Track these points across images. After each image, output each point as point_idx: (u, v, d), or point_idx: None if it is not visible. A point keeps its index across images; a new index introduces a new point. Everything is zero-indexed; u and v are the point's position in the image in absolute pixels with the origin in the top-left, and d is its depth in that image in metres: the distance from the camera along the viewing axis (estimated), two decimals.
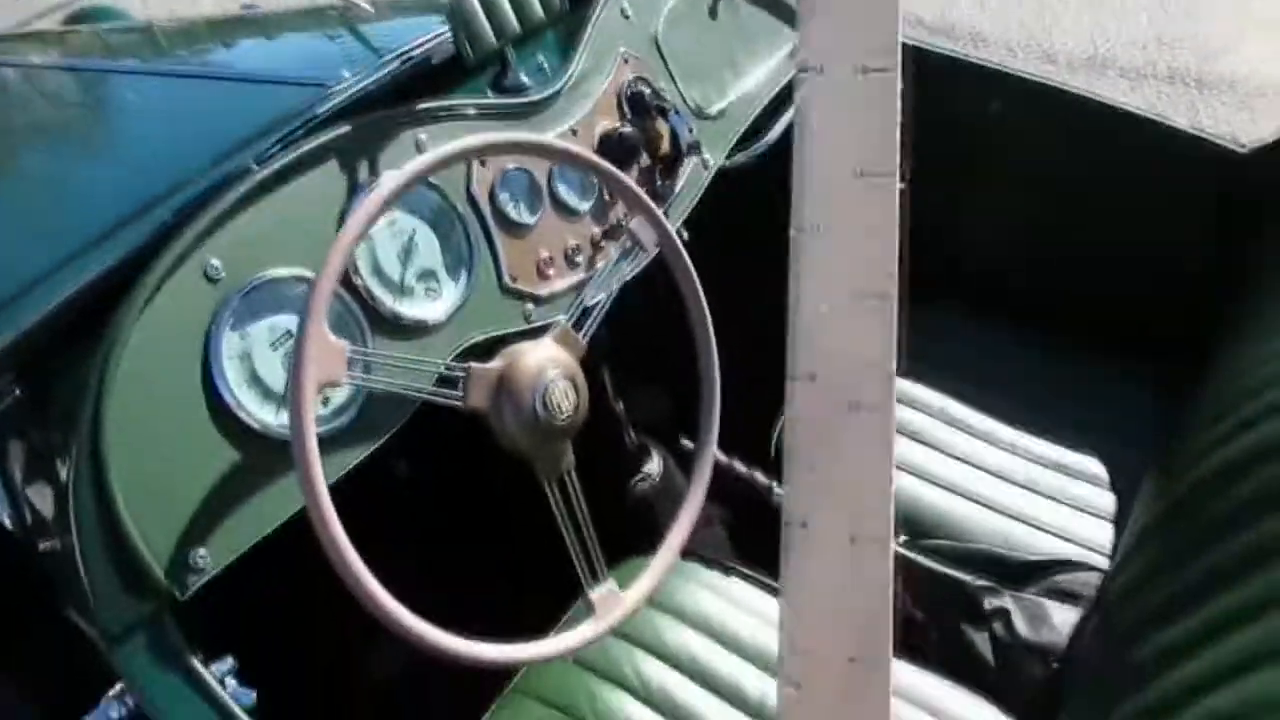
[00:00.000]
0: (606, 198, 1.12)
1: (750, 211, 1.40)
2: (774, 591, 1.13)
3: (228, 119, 1.15)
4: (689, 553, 1.16)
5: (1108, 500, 1.23)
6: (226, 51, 1.61)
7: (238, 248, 0.86)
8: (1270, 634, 0.62)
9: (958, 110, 1.42)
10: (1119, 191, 1.40)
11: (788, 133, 1.36)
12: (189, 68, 1.50)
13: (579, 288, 1.07)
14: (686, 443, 1.23)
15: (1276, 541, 0.68)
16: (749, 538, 1.29)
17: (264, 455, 0.85)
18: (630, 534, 1.09)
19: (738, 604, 1.12)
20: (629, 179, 1.03)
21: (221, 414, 0.83)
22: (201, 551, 0.80)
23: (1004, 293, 1.36)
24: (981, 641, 1.07)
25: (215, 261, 0.84)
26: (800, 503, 0.31)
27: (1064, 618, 1.06)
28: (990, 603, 1.08)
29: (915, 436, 1.28)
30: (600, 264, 1.09)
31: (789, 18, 1.43)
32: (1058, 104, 1.39)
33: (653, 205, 1.01)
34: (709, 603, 1.12)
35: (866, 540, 0.31)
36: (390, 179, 0.84)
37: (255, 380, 0.86)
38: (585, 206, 1.10)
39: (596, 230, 1.11)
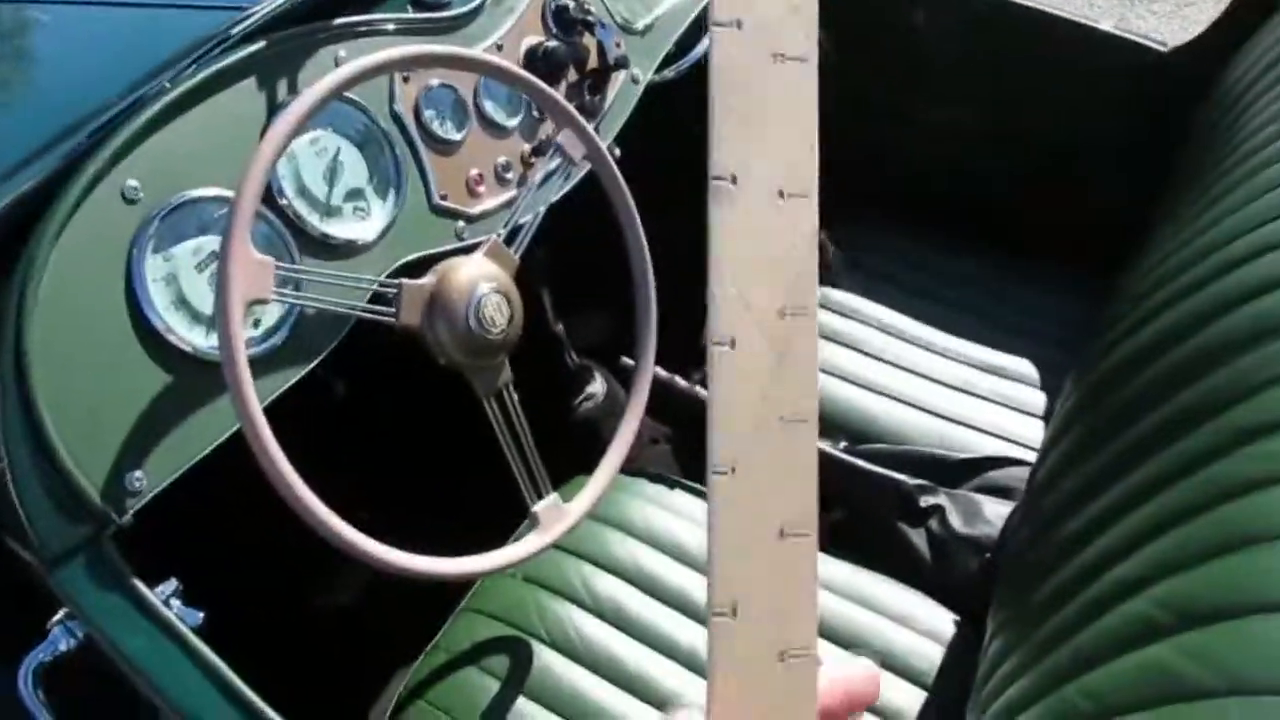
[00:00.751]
0: (535, 114, 1.11)
1: (680, 128, 1.39)
2: None
3: (144, 45, 1.12)
4: (633, 469, 1.18)
5: (1039, 398, 1.26)
6: None
7: (155, 168, 0.84)
8: (1173, 502, 0.65)
9: (882, 18, 1.41)
10: (1043, 96, 1.42)
11: (704, 54, 1.35)
12: None
13: (510, 204, 1.07)
14: (628, 361, 1.24)
15: (1179, 418, 0.71)
16: (691, 451, 1.31)
17: (196, 377, 0.84)
18: (577, 453, 1.10)
19: (682, 515, 1.13)
20: (556, 93, 1.02)
21: (150, 336, 0.82)
22: (137, 474, 0.80)
23: (933, 200, 1.38)
24: (918, 538, 1.10)
25: (133, 182, 0.83)
26: (728, 157, 0.32)
27: (996, 511, 1.09)
28: (926, 501, 1.11)
29: (850, 343, 1.30)
30: (531, 179, 1.09)
31: None
32: (981, 9, 1.40)
33: (580, 118, 1.00)
34: (654, 516, 1.13)
35: (794, 196, 0.32)
36: (308, 94, 0.82)
37: (182, 302, 0.85)
38: (513, 123, 1.09)
39: (526, 147, 1.10)
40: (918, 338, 1.33)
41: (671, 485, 1.17)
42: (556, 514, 0.96)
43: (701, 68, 1.34)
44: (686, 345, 1.23)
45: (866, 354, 1.31)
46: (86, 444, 0.78)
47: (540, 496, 0.95)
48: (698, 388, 1.27)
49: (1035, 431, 1.23)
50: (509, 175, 1.08)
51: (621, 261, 1.03)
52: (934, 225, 1.36)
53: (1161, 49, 1.33)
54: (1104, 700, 0.59)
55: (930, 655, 1.00)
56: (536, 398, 1.00)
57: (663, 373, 1.29)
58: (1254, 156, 0.90)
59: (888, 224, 1.43)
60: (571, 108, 1.00)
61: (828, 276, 1.37)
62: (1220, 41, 1.25)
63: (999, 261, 1.35)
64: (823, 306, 1.36)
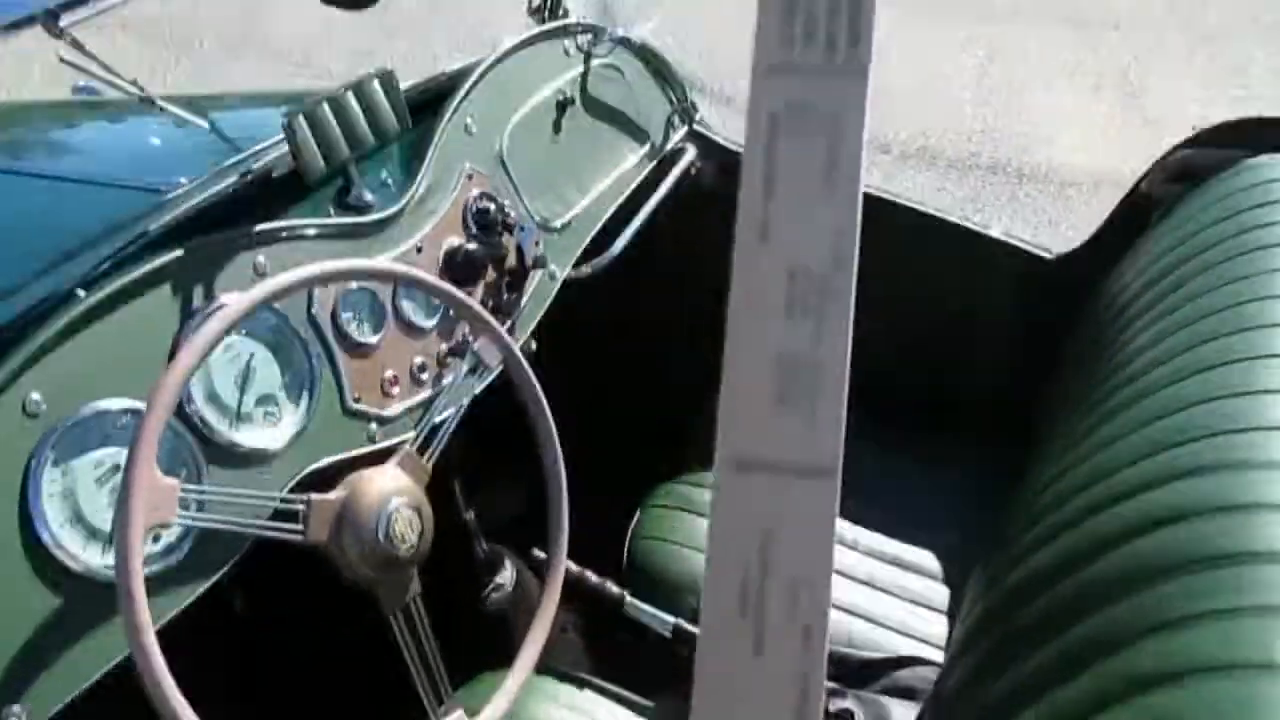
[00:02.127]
0: (451, 313, 1.13)
1: (597, 320, 1.43)
2: (628, 705, 1.14)
3: (54, 226, 1.11)
4: (543, 667, 1.16)
5: (942, 594, 1.29)
6: (54, 144, 1.55)
7: (61, 379, 0.83)
8: None
9: None
10: (936, 295, 1.50)
11: (632, 243, 1.40)
12: (10, 161, 1.44)
13: (426, 405, 1.07)
14: (538, 552, 1.23)
15: (1085, 649, 0.73)
16: (601, 647, 1.30)
17: (86, 598, 0.81)
18: (483, 647, 1.08)
19: (591, 717, 1.11)
20: (471, 300, 1.04)
21: (38, 555, 0.79)
22: (15, 708, 0.76)
23: None
24: None
25: (35, 395, 0.81)
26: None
27: (904, 714, 1.10)
28: (835, 705, 1.11)
29: None
30: (446, 380, 1.10)
31: (630, 129, 1.48)
32: (879, 211, 1.48)
33: (495, 324, 1.02)
34: (563, 718, 1.11)
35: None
36: (225, 310, 0.83)
37: (78, 518, 0.82)
38: (430, 323, 1.11)
39: (443, 346, 1.11)
40: (841, 537, 1.35)
41: (581, 685, 1.15)
42: None
43: (618, 262, 1.38)
44: (598, 537, 1.23)
45: None
46: None
47: (445, 710, 0.93)
48: (608, 583, 1.26)
49: (938, 628, 1.25)
50: (424, 376, 1.09)
51: (533, 451, 1.04)
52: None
53: (1046, 255, 1.43)
54: None
55: None
56: (443, 589, 0.99)
57: (574, 566, 1.28)
58: (1136, 381, 0.96)
59: None
60: (486, 314, 1.02)
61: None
62: (1100, 252, 1.34)
63: (898, 453, 1.39)
64: None
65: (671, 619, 1.20)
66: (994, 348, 1.46)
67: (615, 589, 1.23)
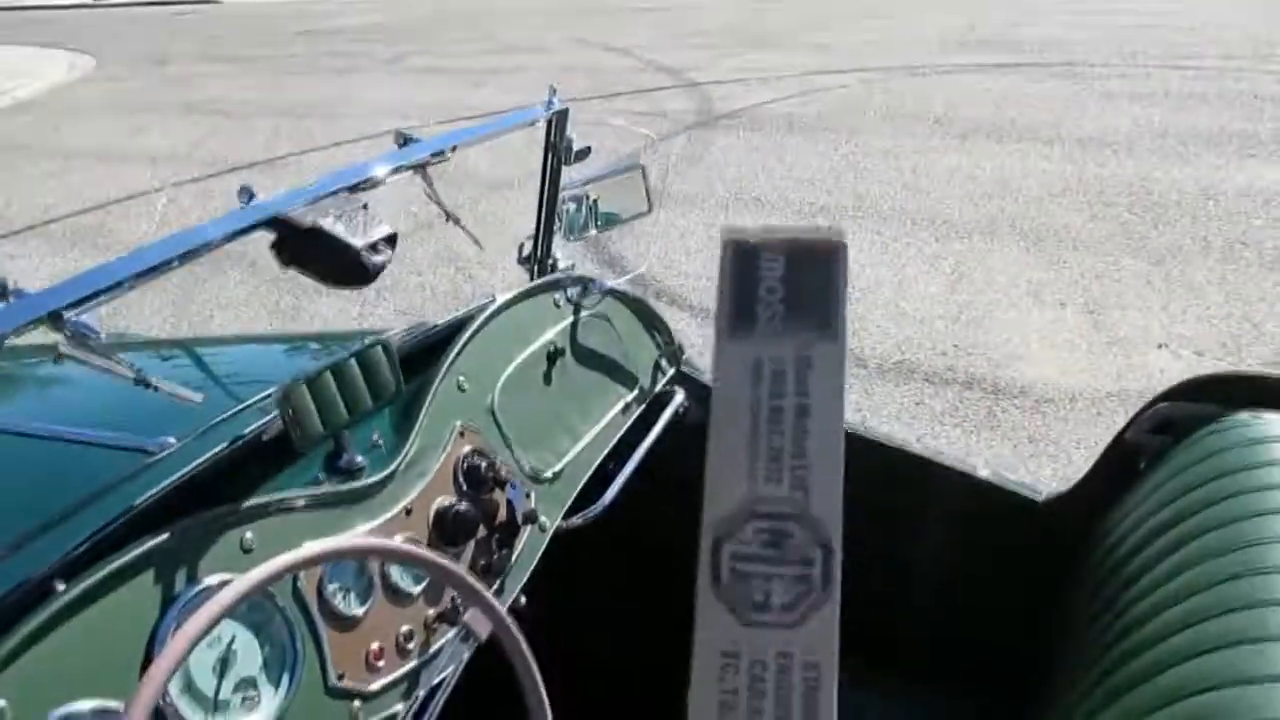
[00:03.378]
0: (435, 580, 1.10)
1: (586, 570, 1.41)
2: None
3: (37, 487, 1.09)
4: None
5: None
6: (39, 396, 1.55)
7: (30, 684, 0.79)
8: None
9: None
10: (927, 535, 1.49)
11: (622, 492, 1.40)
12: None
13: (412, 677, 1.03)
14: None
15: None
16: None
17: None
18: None
19: None
20: (461, 571, 1.02)
21: None
22: None
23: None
24: None
25: (2, 703, 0.77)
26: None
27: None
28: None
29: None
30: (434, 647, 1.06)
31: (620, 375, 1.51)
32: (867, 452, 1.49)
33: (487, 594, 1.00)
34: None
35: None
36: (209, 606, 0.80)
37: None
38: (418, 589, 1.08)
39: (430, 613, 1.08)
40: None
41: None
42: None
43: (608, 512, 1.38)
44: None
45: None
46: None
47: None
48: None
49: None
50: (410, 645, 1.05)
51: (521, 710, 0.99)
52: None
53: (1036, 498, 1.43)
54: None
55: None
56: None
57: None
58: (1135, 632, 0.95)
59: None
60: (478, 585, 1.00)
61: None
62: (1089, 496, 1.35)
63: (894, 703, 1.35)
64: None
65: None
66: (986, 594, 1.44)
67: None
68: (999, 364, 3.37)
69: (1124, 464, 1.33)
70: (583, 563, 1.35)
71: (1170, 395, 1.32)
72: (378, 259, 1.05)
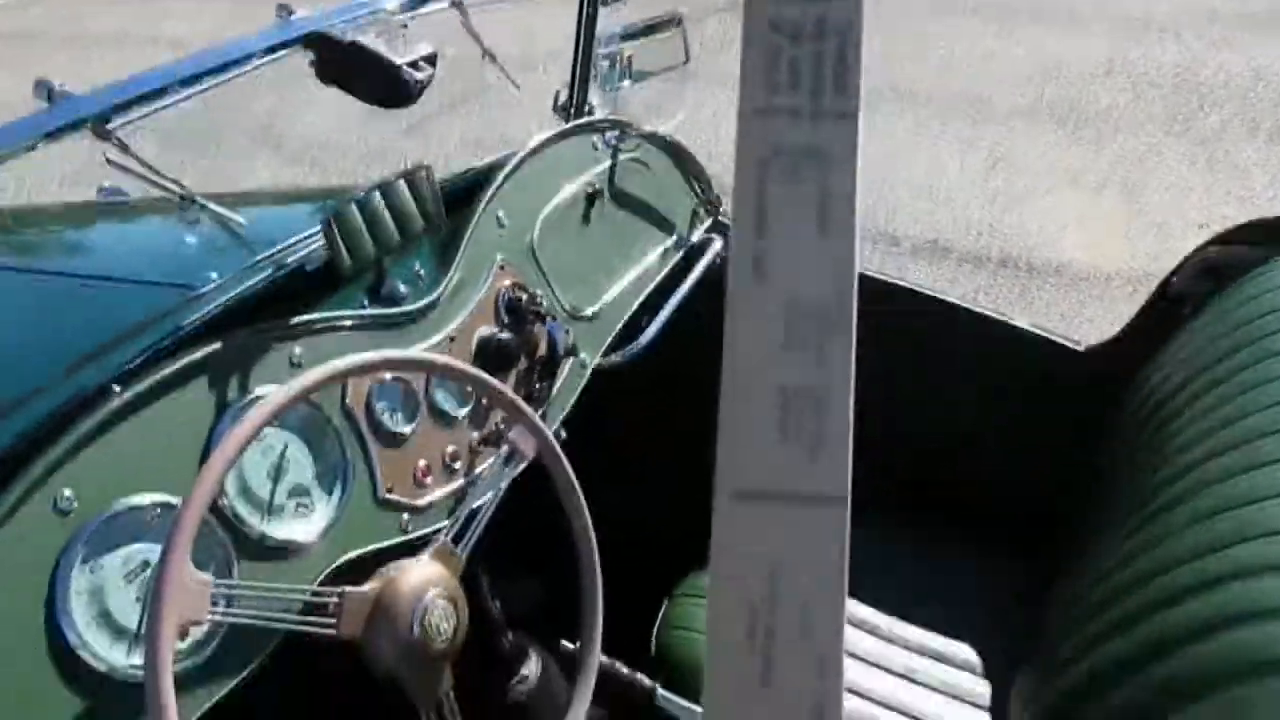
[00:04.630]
0: (484, 403, 1.12)
1: (625, 410, 1.42)
2: None
3: (86, 322, 1.11)
4: None
5: (983, 688, 1.25)
6: (83, 246, 1.56)
7: (93, 476, 0.81)
8: None
9: None
10: (970, 386, 1.49)
11: (660, 333, 1.40)
12: (42, 263, 1.45)
13: (458, 495, 1.06)
14: (565, 644, 1.20)
15: None
16: None
17: (110, 701, 0.78)
18: None
19: None
20: (506, 388, 1.03)
21: (63, 657, 0.77)
22: None
23: (873, 486, 1.41)
24: None
25: (68, 492, 0.79)
26: None
27: None
28: None
29: None
30: (479, 469, 1.08)
31: (657, 221, 1.50)
32: (905, 304, 1.48)
33: (531, 412, 1.02)
34: None
35: None
36: (263, 405, 0.82)
37: (105, 617, 0.80)
38: (463, 413, 1.10)
39: (475, 436, 1.11)
40: (860, 620, 1.32)
41: None
42: None
43: (647, 351, 1.38)
44: (626, 628, 1.20)
45: None
46: None
47: None
48: (638, 674, 1.23)
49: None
50: (456, 465, 1.08)
51: (561, 541, 1.02)
52: (875, 510, 1.37)
53: (1077, 348, 1.43)
54: None
55: None
56: (468, 679, 0.96)
57: (604, 658, 1.25)
58: (1183, 479, 0.95)
59: None
60: (522, 402, 1.02)
61: None
62: (1131, 346, 1.34)
63: (941, 546, 1.37)
64: None
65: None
66: (1026, 441, 1.45)
67: (646, 681, 1.19)
68: (1034, 245, 3.32)
69: (1169, 311, 1.32)
70: (616, 406, 1.36)
71: (1218, 240, 1.29)
72: (419, 75, 1.04)
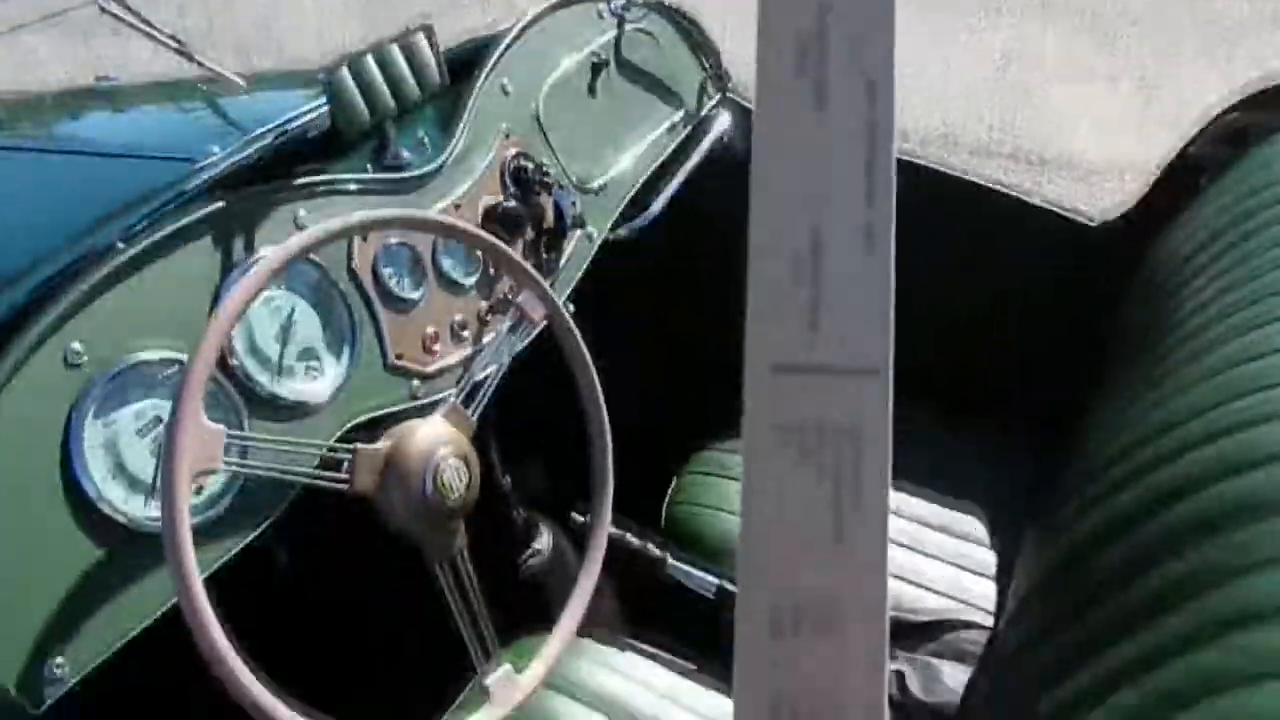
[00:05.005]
0: (491, 271, 1.11)
1: (633, 284, 1.41)
2: (671, 666, 1.12)
3: (88, 195, 1.10)
4: (584, 629, 1.14)
5: (989, 557, 1.26)
6: (84, 126, 1.54)
7: (102, 330, 0.81)
8: (1156, 690, 0.64)
9: None
10: (977, 262, 1.48)
11: (669, 205, 1.39)
12: (42, 142, 1.43)
13: (466, 363, 1.06)
14: (576, 516, 1.22)
15: (1147, 603, 0.71)
16: (643, 610, 1.27)
17: (130, 550, 0.79)
18: (521, 612, 1.06)
19: (634, 679, 1.09)
20: (515, 253, 1.02)
21: (82, 508, 0.77)
22: (59, 660, 0.74)
23: None
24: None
25: (76, 345, 0.79)
26: None
27: (956, 676, 1.07)
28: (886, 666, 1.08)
29: None
30: (487, 338, 1.08)
31: (664, 94, 1.47)
32: (914, 178, 1.46)
33: (540, 278, 1.01)
34: (605, 680, 1.09)
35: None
36: (269, 257, 0.81)
37: (121, 470, 0.80)
38: (470, 281, 1.09)
39: (483, 304, 1.10)
40: None
41: (622, 648, 1.13)
42: (509, 685, 0.91)
43: (655, 224, 1.37)
44: (636, 499, 1.22)
45: None
46: (2, 627, 0.72)
47: (491, 665, 0.91)
48: (648, 544, 1.24)
49: (986, 590, 1.22)
50: (465, 333, 1.07)
51: (569, 413, 1.02)
52: None
53: (1089, 223, 1.40)
54: None
55: None
56: (482, 553, 0.97)
57: (614, 529, 1.26)
58: (1196, 338, 0.94)
59: None
60: (531, 268, 1.01)
61: None
62: (1147, 217, 1.32)
63: (942, 420, 1.37)
64: None
65: (714, 580, 1.18)
66: (1039, 314, 1.44)
67: (656, 550, 1.21)
68: (1046, 138, 3.26)
69: (1186, 180, 1.29)
70: (625, 280, 1.35)
71: (1240, 105, 1.26)
72: None
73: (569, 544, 1.32)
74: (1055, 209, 1.43)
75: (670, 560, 1.21)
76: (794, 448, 0.29)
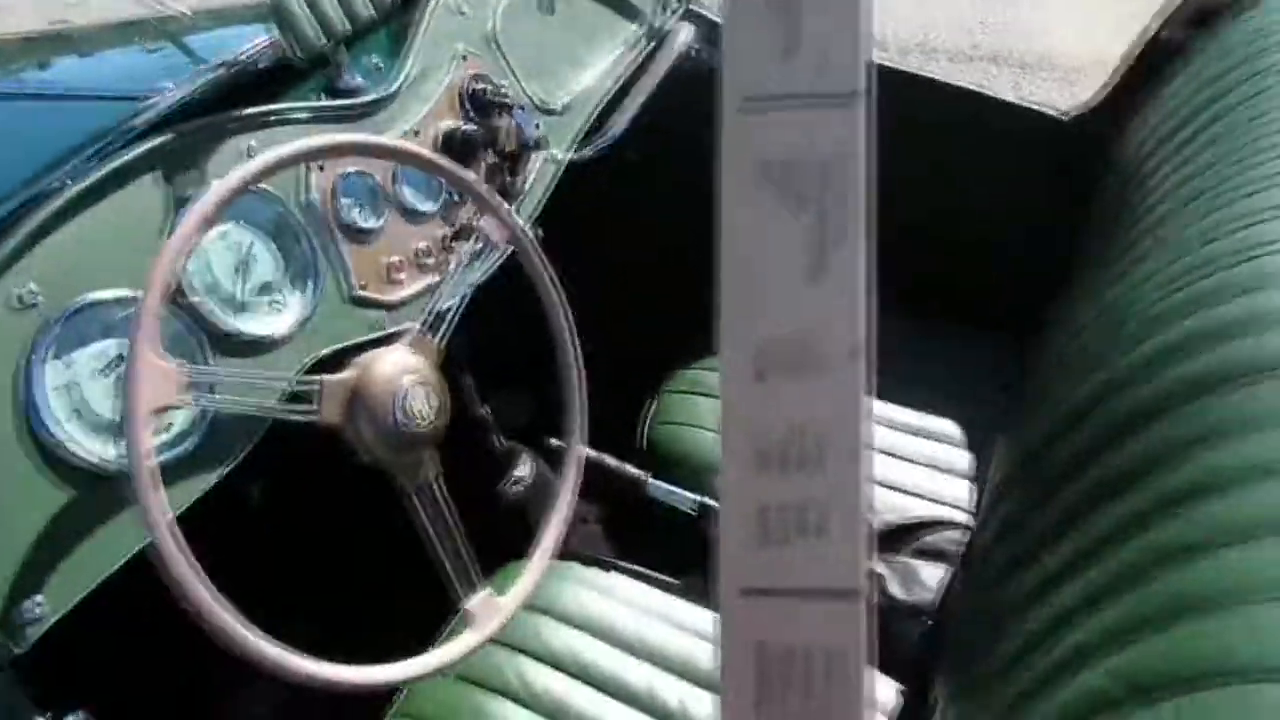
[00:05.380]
0: (454, 198, 1.10)
1: (600, 204, 1.40)
2: (654, 583, 1.13)
3: (35, 138, 1.08)
4: (566, 553, 1.16)
5: (964, 458, 1.27)
6: (37, 69, 1.51)
7: (54, 270, 0.80)
8: (1114, 568, 0.65)
9: None
10: (948, 163, 1.46)
11: (632, 125, 1.36)
12: None
13: (431, 291, 1.05)
14: (552, 441, 1.22)
15: (1112, 482, 0.72)
16: (624, 531, 1.29)
17: (99, 491, 0.79)
18: (506, 540, 1.07)
19: (616, 598, 1.11)
20: (475, 178, 1.01)
21: (47, 450, 0.77)
22: (37, 598, 0.75)
23: None
24: None
25: (31, 286, 0.78)
26: None
27: (934, 575, 1.09)
28: None
29: None
30: (451, 265, 1.07)
31: (625, 10, 1.43)
32: (884, 80, 1.43)
33: (501, 202, 1.00)
34: (589, 601, 1.10)
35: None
36: (215, 188, 0.80)
37: (84, 411, 0.80)
38: (431, 208, 1.08)
39: (445, 231, 1.09)
40: None
41: (606, 568, 1.14)
42: (490, 609, 0.92)
43: (619, 145, 1.35)
44: (613, 422, 1.22)
45: None
46: None
47: (473, 590, 0.92)
48: (627, 465, 1.25)
49: (962, 491, 1.24)
50: (429, 261, 1.06)
51: (544, 340, 1.02)
52: None
53: (1062, 117, 1.38)
54: None
55: None
56: (462, 483, 0.98)
57: (591, 452, 1.27)
58: (1165, 225, 0.93)
59: None
60: (492, 192, 0.99)
61: None
62: (1116, 107, 1.30)
63: (915, 324, 1.37)
64: None
65: (695, 497, 1.19)
66: (1015, 215, 1.42)
67: (635, 471, 1.22)
68: (1025, 39, 3.20)
69: (1156, 63, 1.27)
70: (593, 200, 1.34)
71: None
72: None
73: (551, 471, 1.33)
74: (1026, 105, 1.41)
75: (651, 480, 1.22)
76: (772, 185, 0.29)
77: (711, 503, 1.17)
